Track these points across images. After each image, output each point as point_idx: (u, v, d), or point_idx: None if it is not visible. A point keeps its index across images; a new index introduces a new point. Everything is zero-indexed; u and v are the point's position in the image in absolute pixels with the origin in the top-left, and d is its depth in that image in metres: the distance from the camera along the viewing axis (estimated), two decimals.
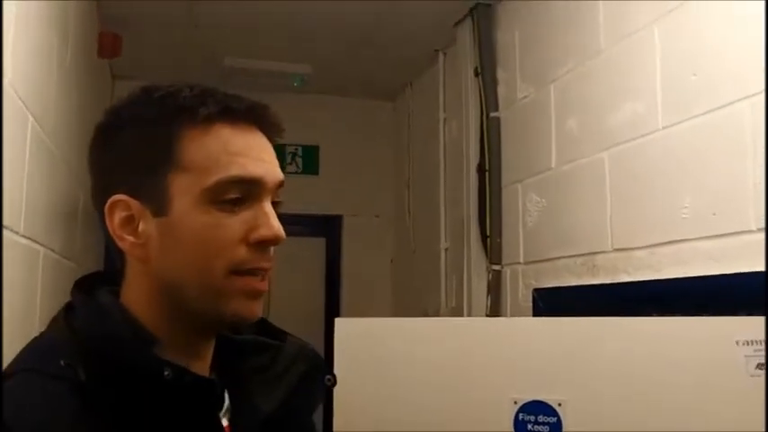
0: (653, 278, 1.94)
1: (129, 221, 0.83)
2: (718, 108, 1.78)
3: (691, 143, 1.86)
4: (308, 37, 3.39)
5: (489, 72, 2.94)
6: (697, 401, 1.52)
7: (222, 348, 0.91)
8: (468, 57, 3.09)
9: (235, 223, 0.82)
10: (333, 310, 4.18)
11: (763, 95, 1.64)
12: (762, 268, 1.63)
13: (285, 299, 4.22)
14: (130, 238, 0.83)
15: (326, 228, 4.36)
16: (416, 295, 3.77)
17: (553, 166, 2.49)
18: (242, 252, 0.82)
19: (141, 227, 0.82)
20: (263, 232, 0.83)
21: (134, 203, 0.82)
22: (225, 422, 0.87)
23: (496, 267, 2.80)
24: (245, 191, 0.83)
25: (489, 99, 2.92)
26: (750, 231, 1.67)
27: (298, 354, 0.95)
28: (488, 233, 2.84)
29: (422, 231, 3.80)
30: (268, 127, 0.89)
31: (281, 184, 0.88)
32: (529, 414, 1.62)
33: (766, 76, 1.48)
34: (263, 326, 0.95)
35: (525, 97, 2.71)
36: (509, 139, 2.84)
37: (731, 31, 1.76)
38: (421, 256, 3.77)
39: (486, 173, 2.89)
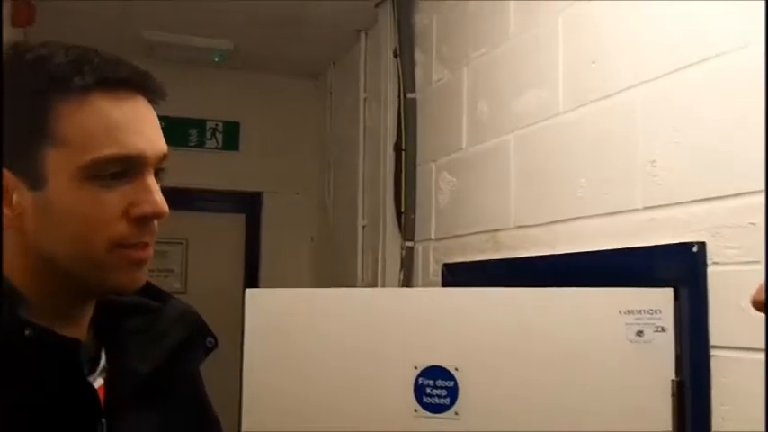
0: (550, 253, 2.06)
1: (3, 192, 0.80)
2: (613, 94, 1.89)
3: (588, 127, 1.98)
4: (228, 12, 3.38)
5: (408, 54, 3.00)
6: (583, 364, 1.65)
7: (102, 308, 0.90)
8: (387, 38, 3.15)
9: (114, 198, 0.80)
10: (252, 286, 4.20)
11: (654, 83, 1.77)
12: (646, 243, 1.76)
13: (203, 275, 4.23)
14: (5, 210, 0.80)
15: (246, 204, 4.36)
16: (335, 272, 3.84)
17: (464, 146, 2.58)
18: (122, 228, 0.81)
19: (15, 199, 0.80)
20: (144, 208, 0.81)
21: (8, 175, 0.80)
22: (100, 381, 0.87)
23: (409, 244, 2.89)
24: (125, 166, 0.80)
25: (407, 80, 2.98)
26: (636, 210, 1.80)
27: (179, 316, 0.94)
28: (403, 210, 2.93)
29: (341, 209, 3.86)
30: (151, 93, 0.84)
31: (164, 157, 0.85)
32: (428, 378, 1.71)
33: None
34: (147, 287, 0.92)
35: (440, 80, 2.80)
36: (425, 120, 2.92)
37: (628, 21, 1.87)
38: (340, 234, 3.84)
39: (403, 152, 2.97)
